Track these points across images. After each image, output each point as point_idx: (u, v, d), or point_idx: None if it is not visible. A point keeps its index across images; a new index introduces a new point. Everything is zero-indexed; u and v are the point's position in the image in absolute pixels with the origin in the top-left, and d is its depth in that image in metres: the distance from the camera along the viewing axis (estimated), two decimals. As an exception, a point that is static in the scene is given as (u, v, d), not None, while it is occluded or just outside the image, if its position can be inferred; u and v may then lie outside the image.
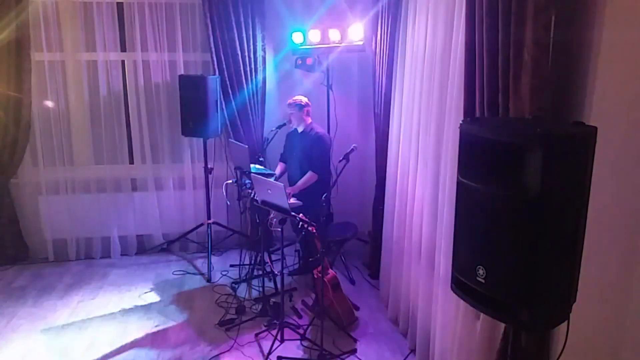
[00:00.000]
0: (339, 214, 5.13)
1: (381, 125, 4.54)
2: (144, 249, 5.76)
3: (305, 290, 4.78)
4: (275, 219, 4.15)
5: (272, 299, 4.40)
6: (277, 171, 4.94)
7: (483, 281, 1.73)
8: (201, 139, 5.26)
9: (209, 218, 5.30)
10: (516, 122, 2.03)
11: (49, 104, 5.34)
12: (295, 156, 4.76)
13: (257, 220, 4.57)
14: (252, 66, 5.36)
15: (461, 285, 1.88)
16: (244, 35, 5.26)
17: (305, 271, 5.03)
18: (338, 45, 4.95)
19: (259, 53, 5.38)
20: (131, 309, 4.46)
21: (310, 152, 4.62)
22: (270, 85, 5.63)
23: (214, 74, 5.23)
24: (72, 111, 5.40)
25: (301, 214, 3.68)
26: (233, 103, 5.36)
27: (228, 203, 5.40)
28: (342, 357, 3.72)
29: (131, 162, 5.66)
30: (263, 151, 5.33)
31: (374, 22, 4.64)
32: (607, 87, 1.89)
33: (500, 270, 1.68)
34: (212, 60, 5.26)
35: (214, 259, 5.35)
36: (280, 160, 5.05)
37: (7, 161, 5.22)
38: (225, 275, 5.12)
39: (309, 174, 4.56)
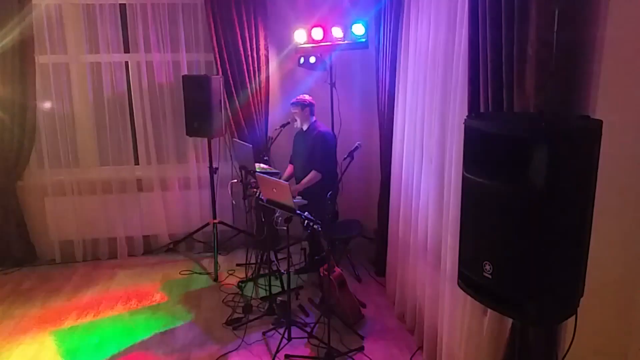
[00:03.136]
0: (344, 212, 5.13)
1: (385, 122, 4.53)
2: (150, 249, 5.78)
3: (312, 289, 4.78)
4: (280, 218, 4.15)
5: (279, 298, 4.41)
6: (286, 173, 4.93)
7: (490, 276, 1.73)
8: (205, 139, 5.27)
9: (214, 218, 5.31)
10: (521, 117, 2.02)
11: (49, 105, 5.36)
12: (300, 155, 4.75)
13: (263, 219, 4.58)
14: (255, 65, 5.37)
15: (468, 281, 1.88)
16: (247, 34, 5.26)
17: (311, 269, 5.04)
18: (341, 43, 4.94)
19: (262, 52, 5.38)
20: (138, 309, 4.48)
21: (313, 151, 4.61)
22: (273, 84, 5.63)
23: (217, 74, 5.24)
24: (76, 113, 5.43)
25: (306, 212, 3.68)
26: (237, 102, 5.36)
27: (233, 202, 5.41)
28: (350, 354, 3.72)
29: (136, 162, 5.68)
30: (267, 150, 5.33)
31: (377, 19, 4.64)
32: (612, 81, 1.88)
33: (507, 266, 1.68)
34: (215, 60, 5.27)
35: (220, 258, 5.36)
36: (290, 162, 5.01)
37: (12, 164, 5.25)
38: (231, 274, 5.13)
39: (312, 173, 4.54)
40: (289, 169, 4.97)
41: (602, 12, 1.90)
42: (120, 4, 5.29)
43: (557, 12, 1.92)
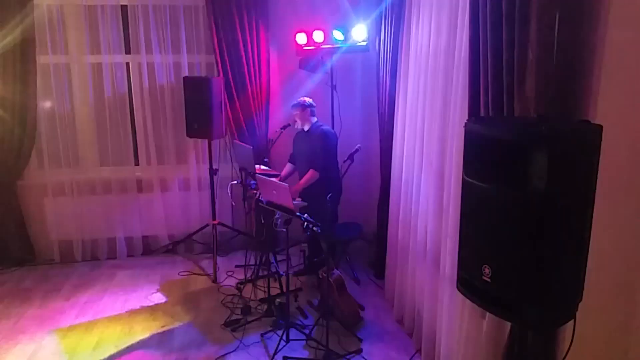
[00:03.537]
0: (343, 214, 5.13)
1: (385, 125, 4.54)
2: (149, 250, 5.78)
3: (311, 291, 4.78)
4: (280, 220, 4.15)
5: (278, 300, 4.41)
6: (284, 172, 4.93)
7: (489, 280, 1.73)
8: (206, 140, 5.27)
9: (214, 219, 5.31)
10: (521, 121, 2.03)
11: (50, 105, 5.37)
12: (302, 156, 4.74)
13: (262, 221, 4.58)
14: (256, 67, 5.38)
15: (467, 284, 1.88)
16: (248, 36, 5.27)
17: (310, 271, 5.04)
18: (342, 45, 4.95)
19: (263, 54, 5.38)
20: (137, 309, 4.48)
21: (315, 149, 4.60)
22: (274, 86, 5.64)
23: (218, 76, 5.25)
24: (77, 113, 5.43)
25: (306, 214, 3.68)
26: (237, 104, 5.37)
27: (233, 204, 5.41)
28: (348, 357, 3.72)
29: (136, 163, 5.68)
30: (267, 152, 5.34)
31: (378, 23, 4.65)
32: (612, 86, 1.88)
33: (506, 269, 1.68)
34: (216, 62, 5.28)
35: (219, 259, 5.35)
36: (289, 161, 5.01)
37: (13, 163, 5.25)
38: (230, 275, 5.13)
39: (310, 172, 4.53)
40: (287, 168, 4.96)
41: (602, 15, 1.90)
42: (121, 5, 5.30)
43: (558, 15, 1.93)
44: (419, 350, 3.73)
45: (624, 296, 1.89)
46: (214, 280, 5.03)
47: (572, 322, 1.75)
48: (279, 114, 5.60)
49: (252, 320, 4.19)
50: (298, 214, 3.63)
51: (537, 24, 1.97)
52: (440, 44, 3.23)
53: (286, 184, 3.61)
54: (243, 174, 4.60)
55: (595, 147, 1.60)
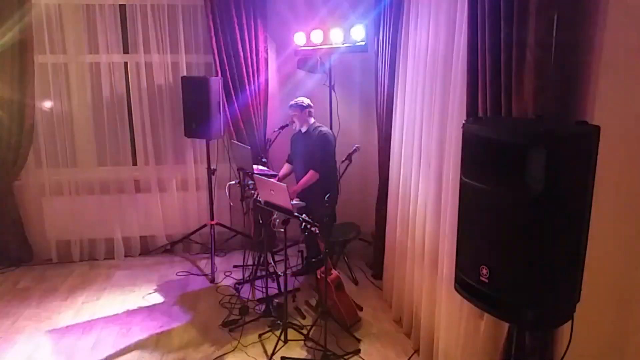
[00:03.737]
0: (341, 215, 5.13)
1: (384, 125, 4.54)
2: (147, 250, 5.77)
3: (309, 291, 4.78)
4: (278, 220, 4.15)
5: (276, 300, 4.40)
6: (281, 172, 4.92)
7: (486, 281, 1.73)
8: (204, 140, 5.27)
9: (212, 219, 5.30)
10: (519, 122, 2.03)
11: (48, 105, 5.36)
12: (300, 157, 4.74)
13: (260, 221, 4.58)
14: (255, 67, 5.37)
15: (465, 285, 1.88)
16: (246, 36, 5.26)
17: (308, 272, 5.03)
18: (340, 46, 4.95)
19: (261, 54, 5.38)
20: (135, 310, 4.47)
21: (314, 151, 4.59)
22: (272, 86, 5.64)
23: (217, 76, 5.24)
24: (75, 113, 5.42)
25: (304, 215, 3.68)
26: (235, 104, 5.36)
27: (231, 204, 5.41)
28: (346, 357, 3.72)
29: (134, 163, 5.67)
30: (266, 152, 5.33)
31: (377, 23, 4.65)
32: (610, 86, 1.89)
33: (503, 270, 1.69)
34: (215, 62, 5.27)
35: (217, 259, 5.35)
36: (287, 162, 5.00)
37: (10, 163, 5.23)
38: (228, 276, 5.12)
39: (310, 173, 4.52)
40: (285, 168, 4.96)
41: (600, 16, 1.90)
42: (120, 5, 5.29)
43: (556, 16, 1.93)
44: (417, 351, 3.73)
45: (621, 297, 1.89)
46: (212, 281, 5.02)
47: (569, 322, 1.75)
48: (277, 114, 5.59)
49: (250, 321, 4.18)
50: (296, 214, 3.62)
51: (535, 24, 1.97)
52: (439, 44, 3.23)
53: (284, 184, 3.61)
54: (241, 174, 4.60)
55: (593, 148, 1.61)
